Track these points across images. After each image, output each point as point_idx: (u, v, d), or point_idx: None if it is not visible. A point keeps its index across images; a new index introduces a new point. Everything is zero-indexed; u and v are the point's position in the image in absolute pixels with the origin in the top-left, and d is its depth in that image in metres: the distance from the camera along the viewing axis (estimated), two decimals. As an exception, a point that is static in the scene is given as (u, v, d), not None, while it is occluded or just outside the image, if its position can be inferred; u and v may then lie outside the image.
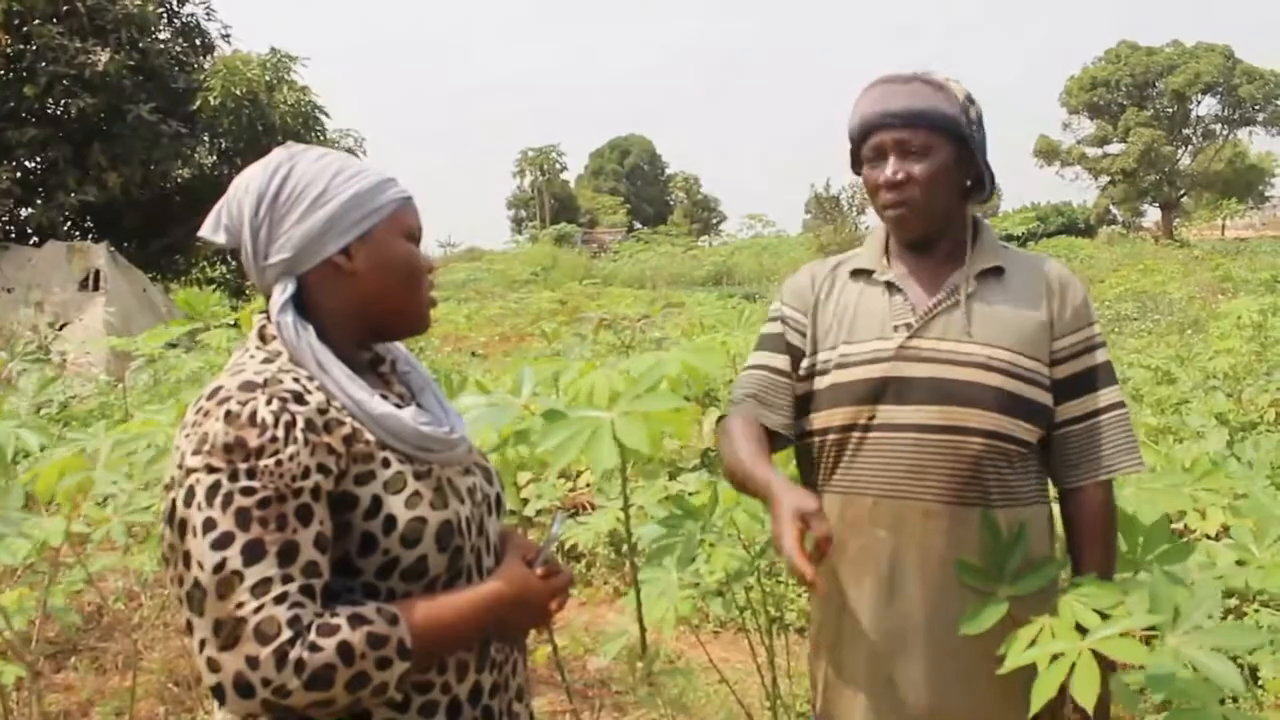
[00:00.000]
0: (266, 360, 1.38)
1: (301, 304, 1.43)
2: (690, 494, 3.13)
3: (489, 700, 1.46)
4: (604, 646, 2.85)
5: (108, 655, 4.72)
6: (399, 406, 1.45)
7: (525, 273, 33.12)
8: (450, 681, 1.41)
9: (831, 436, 1.88)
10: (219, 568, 1.22)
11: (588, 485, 6.22)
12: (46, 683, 4.12)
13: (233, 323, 4.07)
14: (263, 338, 1.43)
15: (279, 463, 1.26)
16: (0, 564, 2.68)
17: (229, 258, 19.88)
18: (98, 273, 16.26)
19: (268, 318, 1.44)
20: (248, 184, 1.44)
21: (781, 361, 1.97)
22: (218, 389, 1.32)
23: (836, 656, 1.92)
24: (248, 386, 1.31)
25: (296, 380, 1.35)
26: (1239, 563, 2.34)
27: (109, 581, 5.08)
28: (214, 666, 1.21)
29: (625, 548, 5.42)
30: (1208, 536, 3.19)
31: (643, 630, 2.44)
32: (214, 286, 19.86)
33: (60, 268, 16.23)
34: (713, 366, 2.74)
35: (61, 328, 15.23)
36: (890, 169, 1.82)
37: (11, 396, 5.39)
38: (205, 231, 1.47)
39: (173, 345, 6.33)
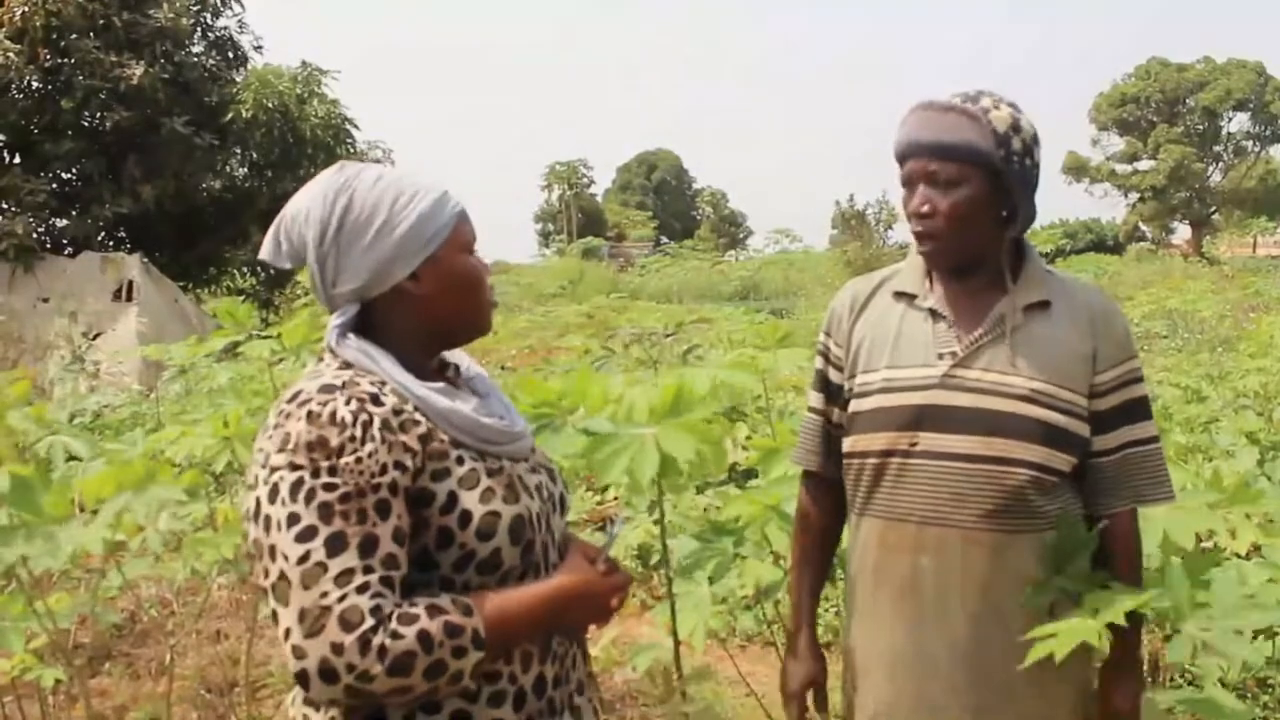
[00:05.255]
0: (342, 367, 1.45)
1: (368, 321, 1.50)
2: (718, 508, 3.16)
3: (552, 692, 1.51)
4: (635, 659, 2.87)
5: (141, 661, 4.78)
6: None
7: (553, 286, 33.13)
8: (516, 672, 1.46)
9: (872, 460, 1.89)
10: (303, 559, 1.28)
11: (615, 498, 6.24)
12: (81, 688, 4.18)
13: (271, 335, 4.12)
14: (334, 351, 1.48)
15: (359, 460, 1.33)
16: (38, 569, 2.72)
17: (259, 270, 20.03)
18: (131, 283, 16.41)
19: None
20: (307, 212, 1.47)
21: (827, 405, 2.06)
22: (298, 393, 1.39)
23: (875, 679, 1.93)
24: (327, 389, 1.38)
25: (372, 384, 1.41)
26: (1270, 581, 2.35)
27: (142, 588, 5.14)
28: (299, 654, 1.27)
29: (655, 560, 5.45)
30: (1238, 556, 3.18)
31: (676, 643, 2.46)
32: (244, 298, 20.01)
33: (94, 278, 16.39)
34: (743, 383, 2.77)
35: (95, 338, 15.38)
36: (917, 200, 1.83)
37: (50, 406, 5.46)
38: (266, 255, 1.52)
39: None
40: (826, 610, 4.81)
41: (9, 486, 2.40)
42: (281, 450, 1.34)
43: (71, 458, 3.24)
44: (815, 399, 2.08)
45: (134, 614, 5.16)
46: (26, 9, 16.75)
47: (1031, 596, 1.79)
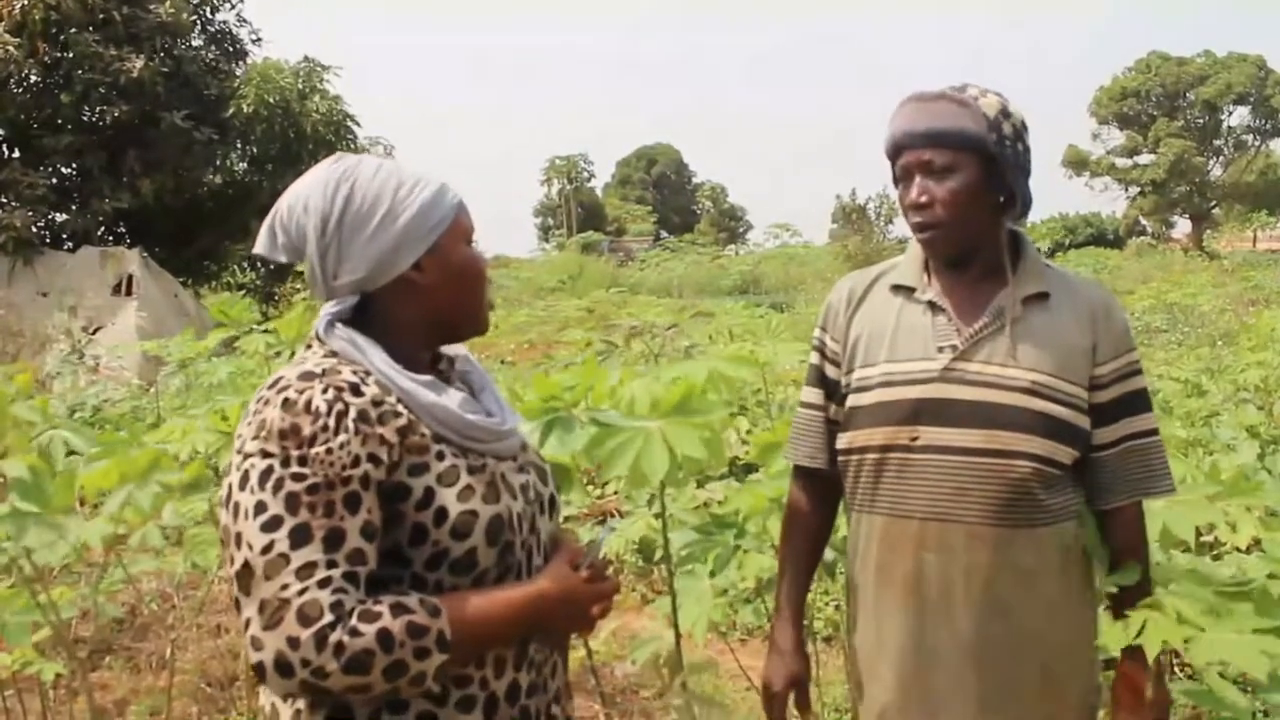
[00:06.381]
0: (327, 355, 1.42)
1: (365, 313, 1.46)
2: (719, 502, 3.16)
3: (526, 700, 1.47)
4: (635, 652, 2.87)
5: (142, 655, 4.79)
6: None
7: (552, 280, 33.16)
8: (488, 677, 1.42)
9: (871, 456, 1.88)
10: (267, 549, 1.26)
11: (615, 492, 6.24)
12: (82, 681, 4.19)
13: (268, 329, 4.12)
14: (321, 339, 1.45)
15: (329, 451, 1.30)
16: (43, 563, 2.73)
17: (259, 264, 20.03)
18: (130, 278, 16.43)
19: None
20: (305, 203, 1.44)
21: (823, 401, 2.03)
22: (279, 379, 1.36)
23: (881, 676, 1.92)
24: (306, 376, 1.35)
25: (355, 373, 1.38)
26: (1270, 576, 2.35)
27: (143, 583, 5.15)
28: (257, 645, 1.24)
29: (657, 555, 5.45)
30: (1239, 550, 3.18)
31: (678, 636, 2.46)
32: (243, 292, 20.03)
33: (94, 273, 16.41)
34: (743, 375, 2.76)
35: (95, 332, 15.38)
36: (914, 190, 1.82)
37: (50, 400, 5.47)
38: (261, 249, 1.49)
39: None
40: (826, 604, 4.82)
41: (29, 477, 2.40)
42: (256, 437, 1.31)
43: (71, 452, 3.24)
44: (810, 394, 2.06)
45: (134, 608, 5.17)
46: (26, 3, 16.75)
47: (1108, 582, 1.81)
